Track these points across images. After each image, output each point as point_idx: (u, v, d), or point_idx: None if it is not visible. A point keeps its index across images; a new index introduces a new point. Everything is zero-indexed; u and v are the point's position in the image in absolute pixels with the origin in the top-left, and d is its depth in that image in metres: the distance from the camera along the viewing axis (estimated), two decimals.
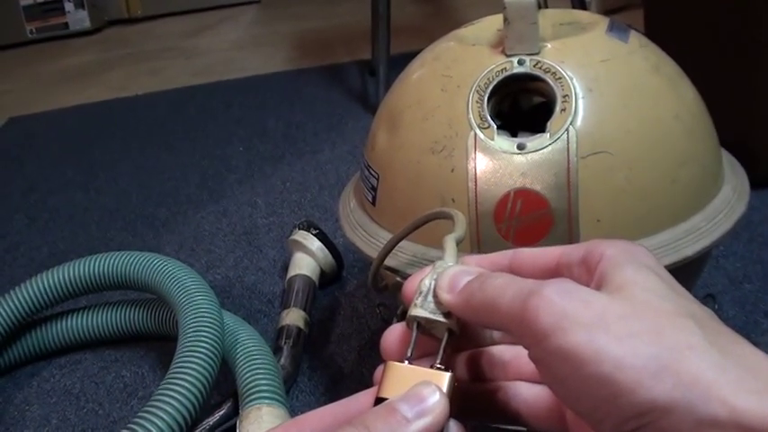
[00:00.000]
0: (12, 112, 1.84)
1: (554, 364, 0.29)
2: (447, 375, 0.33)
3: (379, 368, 0.35)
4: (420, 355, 0.35)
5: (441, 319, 0.34)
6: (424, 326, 0.35)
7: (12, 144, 1.66)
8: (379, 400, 0.33)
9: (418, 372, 0.33)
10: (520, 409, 0.36)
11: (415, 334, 0.35)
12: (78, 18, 2.55)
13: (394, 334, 0.36)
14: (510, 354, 0.36)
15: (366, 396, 0.34)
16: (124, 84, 1.98)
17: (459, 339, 0.36)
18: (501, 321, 0.32)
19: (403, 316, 0.36)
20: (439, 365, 0.34)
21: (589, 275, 0.32)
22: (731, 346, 0.28)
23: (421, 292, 0.35)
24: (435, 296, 0.35)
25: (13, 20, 2.51)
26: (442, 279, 0.35)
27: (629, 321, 0.28)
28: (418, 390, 0.32)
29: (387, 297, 0.79)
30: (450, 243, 0.39)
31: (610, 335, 0.28)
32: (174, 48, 2.28)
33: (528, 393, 0.36)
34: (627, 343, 0.28)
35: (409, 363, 0.34)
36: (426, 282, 0.35)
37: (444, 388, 0.32)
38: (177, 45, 2.31)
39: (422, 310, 0.35)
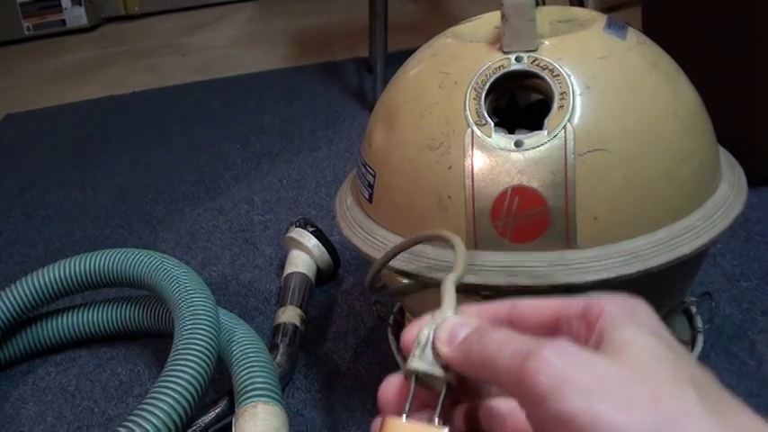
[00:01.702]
0: (8, 108, 1.84)
1: (551, 427, 0.29)
2: (445, 431, 0.33)
3: (376, 421, 0.35)
4: (418, 407, 0.35)
5: (439, 372, 0.34)
6: (422, 379, 0.35)
7: (8, 141, 1.66)
8: None
9: (417, 428, 0.33)
10: None
11: (413, 388, 0.35)
12: (75, 15, 2.54)
13: (391, 386, 0.36)
14: (508, 407, 0.36)
15: None
16: (121, 81, 1.98)
17: (457, 391, 0.35)
18: (499, 379, 0.32)
19: (403, 359, 0.36)
20: (437, 420, 0.34)
21: (588, 331, 0.32)
22: (730, 413, 0.28)
23: (419, 344, 0.35)
24: (434, 348, 0.34)
25: (10, 16, 2.50)
26: (440, 330, 0.35)
27: (628, 387, 0.28)
28: None
29: (384, 296, 0.79)
30: (449, 288, 0.38)
31: (608, 401, 0.28)
32: (171, 45, 2.27)
33: None
34: (625, 410, 0.27)
35: (407, 417, 0.34)
36: (425, 332, 0.35)
37: None
38: (174, 42, 2.30)
39: (420, 362, 0.34)
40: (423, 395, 0.35)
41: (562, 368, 0.29)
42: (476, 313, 0.36)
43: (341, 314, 0.88)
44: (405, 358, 0.35)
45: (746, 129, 0.97)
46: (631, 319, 0.31)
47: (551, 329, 0.34)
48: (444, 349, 0.34)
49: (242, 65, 1.95)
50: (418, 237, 0.55)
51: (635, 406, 0.28)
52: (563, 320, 0.34)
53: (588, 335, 0.32)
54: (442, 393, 0.34)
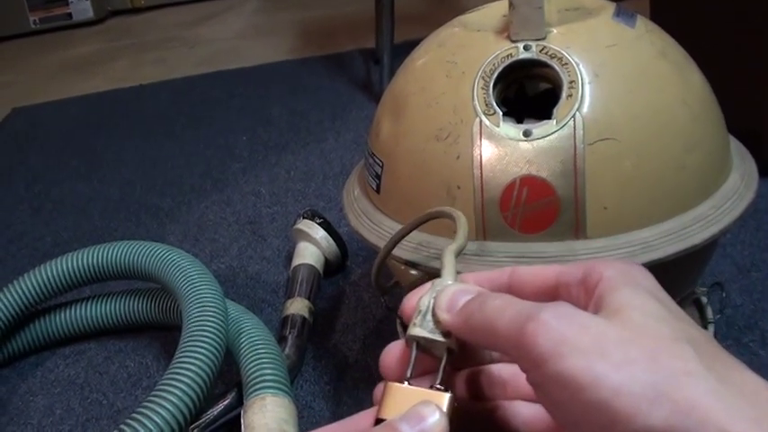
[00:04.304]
0: (16, 102, 1.84)
1: (552, 388, 0.29)
2: (447, 396, 0.33)
3: (379, 387, 0.35)
4: (419, 373, 0.35)
5: (440, 338, 0.34)
6: (423, 345, 0.35)
7: (16, 134, 1.66)
8: (378, 422, 0.33)
9: (418, 392, 0.33)
10: (519, 428, 0.36)
11: (414, 353, 0.35)
12: (81, 8, 2.54)
13: (393, 353, 0.36)
14: (508, 372, 0.36)
15: (366, 416, 0.35)
16: (128, 74, 1.98)
17: (458, 357, 0.36)
18: (499, 344, 0.32)
19: (403, 327, 0.36)
20: (438, 386, 0.34)
21: (588, 297, 0.32)
22: (729, 371, 0.28)
23: (420, 311, 0.35)
24: (434, 315, 0.35)
25: (17, 10, 2.51)
26: (440, 298, 0.35)
27: (627, 347, 0.28)
28: (418, 409, 0.32)
29: (392, 296, 0.79)
30: (449, 257, 0.38)
31: (607, 361, 0.28)
32: (177, 37, 2.27)
33: (527, 413, 0.36)
34: (624, 369, 0.28)
35: (409, 383, 0.34)
36: (425, 300, 0.35)
37: (444, 408, 0.32)
38: (181, 35, 2.30)
39: (421, 329, 0.35)
40: (424, 362, 0.35)
41: (561, 330, 0.29)
42: (475, 281, 0.37)
43: (349, 306, 0.88)
44: (405, 326, 0.36)
45: (757, 118, 0.96)
46: (630, 283, 0.31)
47: (551, 296, 0.34)
48: (445, 316, 0.34)
49: (248, 57, 1.95)
50: (419, 218, 0.55)
51: (634, 365, 0.28)
52: (562, 287, 0.34)
53: (587, 300, 0.32)
54: (443, 359, 0.35)
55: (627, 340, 0.29)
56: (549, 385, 0.29)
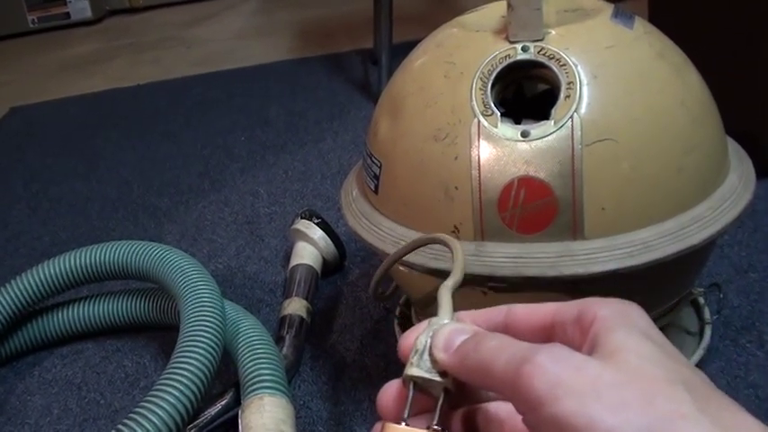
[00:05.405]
0: (13, 101, 1.84)
1: (548, 431, 0.29)
2: None
3: (376, 427, 0.35)
4: (417, 412, 0.35)
5: (437, 378, 0.35)
6: (420, 384, 0.35)
7: (13, 134, 1.66)
8: None
9: None
10: None
11: (411, 393, 0.35)
12: (79, 8, 2.54)
13: (390, 392, 0.36)
14: (505, 411, 0.37)
15: None
16: (125, 73, 1.98)
17: (455, 396, 0.36)
18: (495, 385, 0.32)
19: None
20: (436, 426, 0.34)
21: (582, 336, 0.32)
22: (722, 413, 0.28)
23: (417, 351, 0.35)
24: (431, 355, 0.35)
25: (15, 9, 2.51)
26: (437, 338, 0.35)
27: (621, 390, 0.29)
28: None
29: (389, 303, 0.79)
30: (445, 296, 0.38)
31: (602, 404, 0.28)
32: (175, 37, 2.27)
33: None
34: (619, 413, 0.28)
35: (406, 423, 0.34)
36: (422, 339, 0.35)
37: None
38: (178, 35, 2.30)
39: (418, 369, 0.35)
40: (421, 400, 0.35)
41: (557, 372, 0.29)
42: (472, 319, 0.37)
43: (347, 306, 0.88)
44: (403, 365, 0.36)
45: (755, 119, 0.96)
46: (624, 323, 0.32)
47: (546, 335, 0.34)
48: (441, 356, 0.34)
49: (246, 57, 1.94)
50: (416, 242, 0.56)
51: (628, 408, 0.28)
52: (558, 326, 0.34)
53: (582, 340, 0.32)
54: (440, 399, 0.35)
55: (621, 383, 0.29)
56: (545, 427, 0.29)
